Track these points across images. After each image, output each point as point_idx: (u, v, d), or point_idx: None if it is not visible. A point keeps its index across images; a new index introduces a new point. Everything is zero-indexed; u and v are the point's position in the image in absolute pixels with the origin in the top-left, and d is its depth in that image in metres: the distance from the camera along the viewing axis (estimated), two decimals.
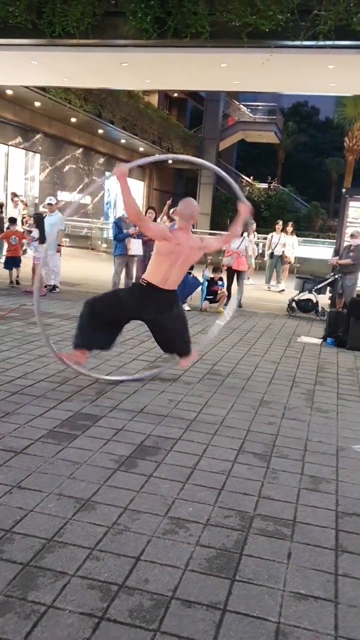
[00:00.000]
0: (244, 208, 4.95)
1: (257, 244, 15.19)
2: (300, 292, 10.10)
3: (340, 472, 3.39)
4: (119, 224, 9.25)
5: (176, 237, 4.44)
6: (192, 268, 9.52)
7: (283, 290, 12.87)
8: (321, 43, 10.07)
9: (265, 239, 14.28)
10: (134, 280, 9.49)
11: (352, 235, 9.71)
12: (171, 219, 10.08)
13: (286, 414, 4.46)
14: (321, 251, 19.54)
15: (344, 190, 11.84)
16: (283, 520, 2.77)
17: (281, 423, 4.21)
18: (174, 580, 2.23)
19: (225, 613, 2.07)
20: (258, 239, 15.35)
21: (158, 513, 2.73)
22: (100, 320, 4.61)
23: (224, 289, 9.91)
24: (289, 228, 13.57)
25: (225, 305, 9.94)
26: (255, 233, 14.00)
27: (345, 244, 10.18)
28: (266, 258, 13.56)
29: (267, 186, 34.87)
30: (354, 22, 9.74)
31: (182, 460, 3.35)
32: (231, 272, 10.37)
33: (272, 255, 13.10)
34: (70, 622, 1.96)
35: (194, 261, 4.86)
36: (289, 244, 13.28)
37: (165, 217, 10.59)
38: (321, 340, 7.82)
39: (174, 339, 4.92)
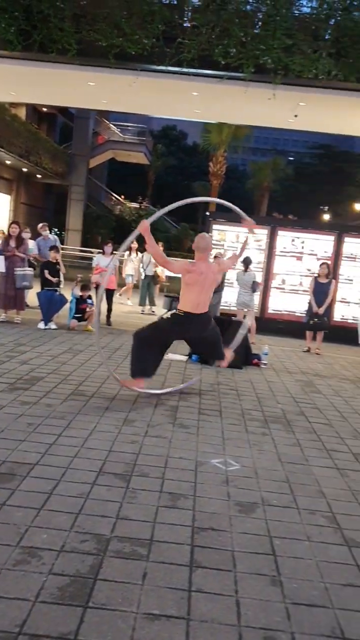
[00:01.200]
0: (249, 224, 6.10)
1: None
2: (168, 311, 10.30)
3: (198, 487, 3.46)
4: None
5: (198, 267, 5.33)
6: (58, 285, 9.36)
7: (154, 313, 12.74)
8: (185, 70, 10.50)
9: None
10: None
11: (215, 257, 10.11)
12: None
13: (149, 431, 4.48)
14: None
15: (207, 213, 12.36)
16: (140, 540, 2.76)
17: (143, 441, 4.22)
18: (23, 614, 2.12)
19: None
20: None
21: (9, 543, 2.59)
22: (149, 349, 5.45)
23: (93, 307, 9.82)
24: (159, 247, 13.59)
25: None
26: (138, 252, 13.78)
27: None
28: (139, 280, 13.44)
29: (138, 206, 35.38)
30: (216, 54, 10.29)
31: (39, 485, 3.23)
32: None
33: (145, 275, 13.01)
34: None
35: (215, 284, 5.63)
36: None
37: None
38: (187, 357, 8.00)
39: (212, 349, 5.99)
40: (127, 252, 13.32)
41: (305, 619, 2.28)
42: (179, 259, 4.87)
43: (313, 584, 2.54)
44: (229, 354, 6.06)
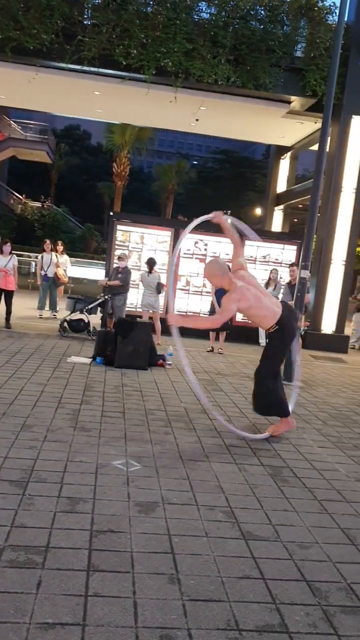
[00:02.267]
0: (216, 213, 5.02)
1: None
2: (72, 312, 10.10)
3: (98, 490, 3.40)
4: None
5: (246, 281, 4.71)
6: None
7: (55, 317, 12.20)
8: (86, 68, 10.37)
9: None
10: None
11: (119, 258, 10.08)
12: None
13: (48, 436, 4.35)
14: (95, 272, 19.90)
15: (111, 214, 12.27)
16: (35, 547, 2.66)
17: (42, 446, 4.09)
18: None
19: None
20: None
21: None
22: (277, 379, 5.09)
23: None
24: (60, 247, 13.02)
25: None
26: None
27: (114, 265, 10.51)
28: (39, 281, 12.75)
29: (40, 205, 34.52)
30: (117, 53, 10.24)
31: None
32: None
33: (45, 277, 12.45)
34: None
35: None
36: (61, 263, 12.91)
37: None
38: (91, 359, 7.89)
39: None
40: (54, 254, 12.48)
41: (201, 614, 2.29)
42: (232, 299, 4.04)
43: (210, 579, 2.57)
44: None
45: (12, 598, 2.26)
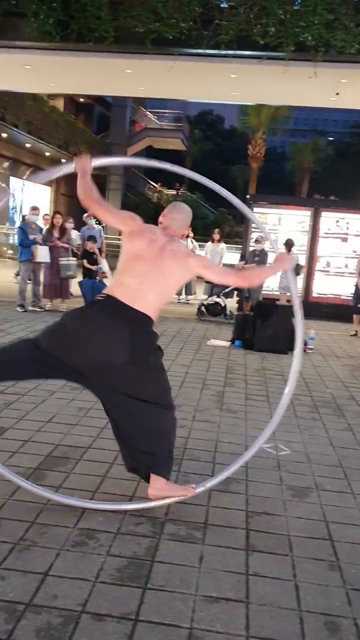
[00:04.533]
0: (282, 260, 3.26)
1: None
2: (209, 297, 10.27)
3: (250, 472, 3.44)
4: (24, 229, 8.98)
5: (152, 232, 3.01)
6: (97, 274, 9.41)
7: (188, 302, 12.28)
8: (223, 52, 10.34)
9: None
10: (40, 288, 9.24)
11: (256, 241, 10.02)
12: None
13: (197, 416, 4.48)
14: (229, 256, 19.99)
15: (248, 196, 12.21)
16: (194, 523, 2.76)
17: (192, 426, 4.22)
18: (84, 594, 2.16)
19: (137, 623, 2.02)
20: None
21: (67, 525, 2.64)
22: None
23: None
24: (215, 236, 12.17)
25: None
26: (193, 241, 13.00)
27: (251, 248, 10.47)
28: None
29: (175, 193, 35.30)
30: (254, 33, 10.08)
31: (92, 468, 3.27)
32: None
33: None
34: None
35: (178, 280, 3.00)
36: (217, 253, 11.96)
37: None
38: (230, 342, 7.97)
39: (134, 416, 2.92)
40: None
41: None
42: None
43: None
44: (190, 491, 2.95)
45: (177, 570, 2.37)
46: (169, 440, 2.89)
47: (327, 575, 2.42)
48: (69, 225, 9.96)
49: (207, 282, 10.85)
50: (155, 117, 33.95)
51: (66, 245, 9.32)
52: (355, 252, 11.37)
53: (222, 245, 12.22)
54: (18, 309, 8.89)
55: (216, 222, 32.35)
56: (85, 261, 9.60)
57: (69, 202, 28.69)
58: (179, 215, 3.13)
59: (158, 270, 2.82)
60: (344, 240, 11.51)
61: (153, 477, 2.82)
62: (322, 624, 2.11)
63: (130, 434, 2.85)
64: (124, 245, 2.95)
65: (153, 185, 37.26)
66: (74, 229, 10.60)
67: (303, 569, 2.45)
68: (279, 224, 11.70)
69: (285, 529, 2.78)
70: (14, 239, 18.19)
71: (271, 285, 10.94)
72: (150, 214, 30.87)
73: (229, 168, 44.06)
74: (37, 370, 2.89)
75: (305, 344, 7.95)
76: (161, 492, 2.84)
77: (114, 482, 3.13)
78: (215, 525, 2.76)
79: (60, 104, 26.88)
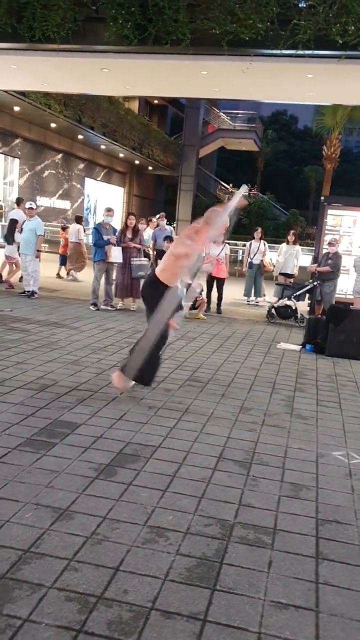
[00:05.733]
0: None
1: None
2: (279, 299, 10.15)
3: (320, 479, 3.38)
4: (99, 230, 9.21)
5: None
6: None
7: (258, 304, 12.17)
8: (300, 52, 10.16)
9: (275, 248, 12.83)
10: (113, 287, 9.45)
11: (329, 243, 9.80)
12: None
13: (266, 420, 4.45)
14: (303, 258, 19.63)
15: (322, 198, 11.96)
16: (263, 528, 2.75)
17: (261, 430, 4.20)
18: (154, 591, 2.20)
19: (205, 623, 2.04)
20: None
21: (137, 522, 2.69)
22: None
23: (203, 296, 9.91)
24: (290, 237, 11.82)
25: (206, 311, 9.96)
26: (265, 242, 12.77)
27: (324, 251, 10.26)
28: (245, 268, 12.95)
29: (247, 194, 35.09)
30: (333, 32, 9.85)
31: (162, 468, 3.32)
32: (210, 279, 10.40)
33: (250, 265, 12.59)
34: (47, 635, 1.91)
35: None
36: (291, 255, 11.65)
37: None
38: (300, 346, 7.84)
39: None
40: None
41: None
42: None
43: None
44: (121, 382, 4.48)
45: (245, 573, 2.37)
46: None
47: None
48: (142, 226, 10.12)
49: (277, 284, 10.73)
50: (229, 117, 33.91)
51: (138, 246, 9.47)
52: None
53: (297, 247, 11.99)
54: (91, 307, 9.13)
55: (288, 223, 31.96)
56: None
57: (141, 203, 29.16)
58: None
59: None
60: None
61: None
62: None
63: None
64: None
65: (224, 186, 37.22)
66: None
67: None
68: (354, 226, 11.39)
69: (357, 539, 2.72)
70: (89, 240, 18.69)
71: (344, 288, 10.68)
72: None
73: (302, 169, 43.36)
74: None
75: None
76: None
77: (184, 482, 3.16)
78: (284, 531, 2.74)
79: (135, 106, 27.37)
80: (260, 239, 12.56)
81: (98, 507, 2.78)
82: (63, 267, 13.63)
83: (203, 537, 2.61)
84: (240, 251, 16.83)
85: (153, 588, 2.21)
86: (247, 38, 10.17)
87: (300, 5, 10.29)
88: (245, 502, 3.00)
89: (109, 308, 9.29)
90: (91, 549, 2.43)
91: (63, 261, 13.62)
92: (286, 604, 2.20)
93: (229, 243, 12.46)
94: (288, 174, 47.47)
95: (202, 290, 9.98)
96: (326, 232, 11.43)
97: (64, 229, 14.04)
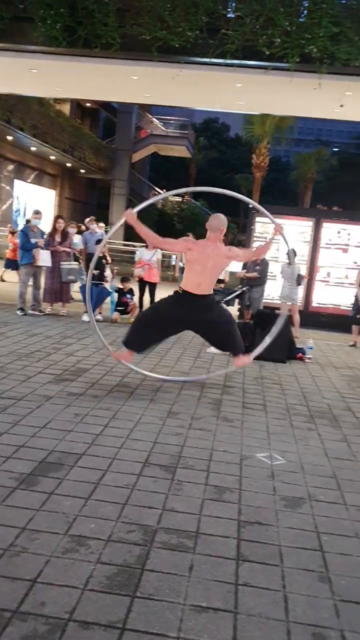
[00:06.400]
0: (277, 228, 5.63)
1: None
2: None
3: (244, 481, 3.44)
4: (26, 233, 9.00)
5: (201, 246, 5.06)
6: (100, 279, 9.40)
7: None
8: (229, 61, 10.38)
9: None
10: (41, 291, 9.26)
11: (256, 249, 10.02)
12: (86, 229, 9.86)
13: (193, 424, 4.48)
14: (233, 264, 19.99)
15: (250, 206, 12.22)
16: (186, 532, 2.76)
17: (188, 434, 4.22)
18: (72, 601, 2.16)
19: (124, 632, 2.02)
20: None
21: (58, 531, 2.64)
22: (147, 326, 5.32)
23: (135, 301, 9.89)
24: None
25: None
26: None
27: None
28: (177, 274, 12.99)
29: (180, 199, 35.39)
30: (260, 44, 10.13)
31: (86, 475, 3.27)
32: (142, 284, 10.39)
33: (182, 270, 12.63)
34: None
35: (222, 268, 5.34)
36: None
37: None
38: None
39: (228, 339, 5.47)
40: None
41: (355, 617, 2.24)
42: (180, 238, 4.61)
43: None
44: (249, 357, 5.58)
45: (166, 578, 2.37)
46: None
47: (317, 586, 2.42)
48: (72, 230, 9.99)
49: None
50: (161, 123, 34.11)
51: (68, 250, 9.33)
52: (355, 263, 11.37)
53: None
54: (18, 312, 8.90)
55: None
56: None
57: (73, 206, 28.79)
58: (211, 224, 5.12)
59: (211, 266, 5.03)
60: (345, 251, 11.53)
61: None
62: (310, 635, 2.11)
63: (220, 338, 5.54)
64: (187, 258, 5.06)
65: (158, 191, 37.37)
66: (77, 233, 10.62)
67: (293, 580, 2.45)
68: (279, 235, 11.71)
69: (276, 540, 2.78)
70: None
71: (272, 294, 10.95)
72: (155, 219, 31.01)
73: (233, 176, 44.17)
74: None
75: (304, 353, 7.96)
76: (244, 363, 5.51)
77: (108, 489, 3.13)
78: (206, 535, 2.76)
79: (66, 109, 27.00)
80: None
81: (17, 518, 2.71)
82: (9, 270, 13.09)
83: (125, 544, 2.60)
84: (174, 256, 16.92)
85: (72, 598, 2.17)
86: (177, 45, 10.28)
87: (228, 16, 10.52)
88: (169, 507, 3.00)
89: (37, 313, 9.09)
90: (8, 561, 2.36)
91: (9, 265, 13.10)
92: (205, 607, 2.21)
93: (161, 248, 12.52)
94: (220, 181, 48.11)
95: (134, 295, 9.96)
96: (254, 239, 11.70)
97: (13, 233, 13.60)
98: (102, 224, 12.40)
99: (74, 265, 9.42)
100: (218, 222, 5.17)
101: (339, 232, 11.52)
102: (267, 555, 2.63)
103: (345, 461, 3.99)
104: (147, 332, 5.32)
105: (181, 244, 5.20)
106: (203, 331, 5.52)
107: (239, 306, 10.74)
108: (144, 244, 11.10)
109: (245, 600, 2.28)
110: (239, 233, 33.57)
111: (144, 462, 3.57)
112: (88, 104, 30.61)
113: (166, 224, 31.00)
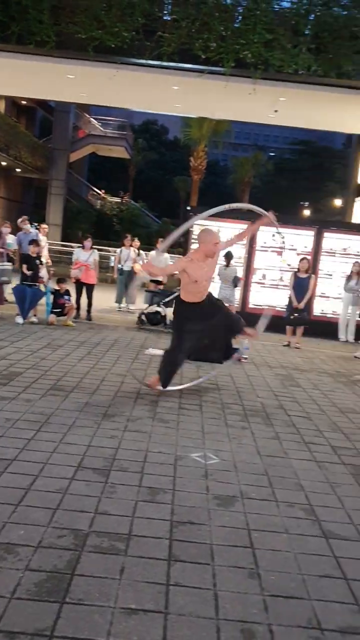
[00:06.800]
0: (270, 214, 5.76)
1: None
2: (149, 306, 10.27)
3: (177, 481, 3.45)
4: None
5: (197, 264, 5.29)
6: (34, 280, 9.20)
7: (129, 311, 12.03)
8: (165, 64, 10.46)
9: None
10: None
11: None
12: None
13: (129, 426, 4.46)
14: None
15: (188, 208, 12.33)
16: (118, 535, 2.74)
17: (123, 436, 4.20)
18: None
19: (51, 639, 1.98)
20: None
21: None
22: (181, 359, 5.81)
23: (72, 303, 9.75)
24: (159, 245, 11.61)
25: (75, 318, 9.80)
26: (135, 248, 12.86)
27: None
28: (115, 275, 12.92)
29: (119, 200, 35.22)
30: (196, 47, 10.25)
31: (16, 481, 3.19)
32: (79, 285, 10.28)
33: (121, 271, 12.62)
34: None
35: (213, 271, 5.65)
36: (160, 262, 11.10)
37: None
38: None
39: (231, 324, 5.95)
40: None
41: (282, 611, 2.29)
42: (178, 258, 5.27)
43: (291, 576, 2.55)
44: (252, 330, 6.08)
45: (97, 582, 2.35)
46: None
47: (247, 583, 2.46)
48: (5, 229, 9.75)
49: (147, 290, 10.86)
50: (100, 124, 33.84)
51: (1, 250, 9.10)
52: (289, 265, 11.67)
53: (166, 255, 12.28)
54: None
55: (160, 231, 32.54)
56: (25, 266, 9.37)
57: (8, 206, 28.12)
58: (205, 237, 5.37)
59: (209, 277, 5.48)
60: (279, 253, 11.80)
61: None
62: (239, 631, 2.14)
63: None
64: (186, 273, 5.29)
65: (96, 192, 37.05)
66: (10, 233, 10.37)
67: (223, 578, 2.48)
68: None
69: (208, 539, 2.80)
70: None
71: None
72: (93, 220, 30.72)
73: (172, 179, 44.42)
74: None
75: (240, 353, 8.07)
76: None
77: (39, 494, 3.07)
78: (139, 536, 2.75)
79: (1, 106, 26.33)
80: (131, 245, 12.65)
81: None
82: None
83: (55, 550, 2.55)
84: (112, 257, 16.82)
85: None
86: (113, 45, 10.25)
87: (164, 19, 10.59)
88: (101, 510, 2.97)
89: None
90: None
91: None
92: (136, 609, 2.21)
93: (99, 249, 12.43)
94: (159, 183, 48.39)
95: (71, 297, 9.82)
96: (193, 241, 11.79)
97: None
98: (45, 226, 12.11)
99: (6, 266, 9.20)
100: (205, 236, 5.38)
101: (273, 235, 11.77)
102: (199, 554, 2.65)
103: (277, 458, 4.07)
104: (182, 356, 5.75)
105: (179, 265, 5.62)
106: (217, 325, 5.80)
107: None
108: (80, 246, 10.98)
109: (176, 600, 2.29)
110: (179, 235, 33.73)
111: (77, 465, 3.52)
112: (24, 102, 29.97)
113: (105, 225, 30.76)
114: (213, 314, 5.68)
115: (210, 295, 5.73)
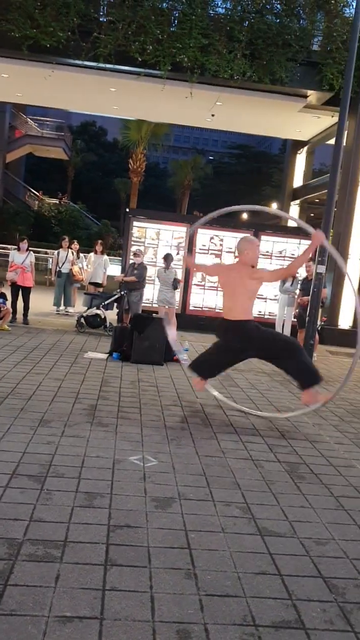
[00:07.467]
0: (316, 236, 4.86)
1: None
2: (88, 308, 10.16)
3: (115, 485, 3.43)
4: None
5: (227, 269, 5.24)
6: None
7: (67, 314, 11.95)
8: (102, 65, 10.39)
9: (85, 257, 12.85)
10: None
11: (135, 254, 10.10)
12: None
13: (66, 431, 4.40)
14: (111, 268, 19.92)
15: (127, 210, 12.29)
16: (54, 542, 2.70)
17: (60, 441, 4.13)
18: None
19: None
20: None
21: None
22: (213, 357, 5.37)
23: (8, 306, 9.52)
24: (98, 247, 12.10)
25: (11, 322, 9.58)
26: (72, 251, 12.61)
27: (130, 261, 10.54)
28: (53, 277, 12.69)
29: (57, 202, 34.68)
30: (132, 50, 10.24)
31: None
32: (15, 288, 10.05)
33: (59, 274, 12.40)
34: None
35: (252, 290, 5.05)
36: (100, 265, 11.95)
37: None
38: (107, 355, 7.93)
39: (286, 368, 5.06)
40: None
41: (218, 610, 2.31)
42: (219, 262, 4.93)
43: (227, 575, 2.58)
44: (315, 398, 5.09)
45: (31, 591, 2.30)
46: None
47: (183, 583, 2.47)
48: None
49: (86, 293, 10.73)
50: (37, 124, 33.22)
51: None
52: None
53: (105, 257, 12.23)
54: None
55: (99, 233, 32.27)
56: None
57: None
58: (238, 246, 5.11)
59: (239, 289, 4.96)
60: (218, 256, 11.96)
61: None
62: (175, 632, 2.14)
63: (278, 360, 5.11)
64: (219, 282, 5.32)
65: (34, 193, 36.32)
66: None
67: (160, 580, 2.48)
68: (157, 239, 11.90)
69: (145, 541, 2.80)
70: None
71: (150, 297, 11.07)
72: (31, 221, 30.09)
73: (112, 180, 44.16)
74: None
75: (179, 354, 8.12)
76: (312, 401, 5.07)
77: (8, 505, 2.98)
78: (75, 542, 2.72)
79: None
80: (69, 247, 12.46)
81: None
82: None
83: None
84: (50, 259, 16.54)
85: None
86: (48, 45, 10.10)
87: (101, 20, 10.52)
88: (36, 517, 2.91)
89: None
90: None
91: None
92: (70, 616, 2.17)
93: (37, 251, 12.20)
94: (98, 184, 47.99)
95: (7, 300, 9.59)
96: (132, 243, 11.77)
97: None
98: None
99: None
100: (241, 244, 5.06)
101: (212, 238, 11.92)
102: (136, 557, 2.64)
103: (214, 458, 4.12)
104: (212, 361, 5.39)
105: (213, 269, 5.77)
106: (264, 356, 5.23)
107: (118, 310, 10.73)
108: (16, 247, 10.74)
109: (112, 605, 2.27)
110: (119, 237, 33.59)
111: (11, 473, 3.44)
112: None
113: (43, 226, 30.20)
114: (241, 343, 5.01)
115: (245, 327, 4.98)
